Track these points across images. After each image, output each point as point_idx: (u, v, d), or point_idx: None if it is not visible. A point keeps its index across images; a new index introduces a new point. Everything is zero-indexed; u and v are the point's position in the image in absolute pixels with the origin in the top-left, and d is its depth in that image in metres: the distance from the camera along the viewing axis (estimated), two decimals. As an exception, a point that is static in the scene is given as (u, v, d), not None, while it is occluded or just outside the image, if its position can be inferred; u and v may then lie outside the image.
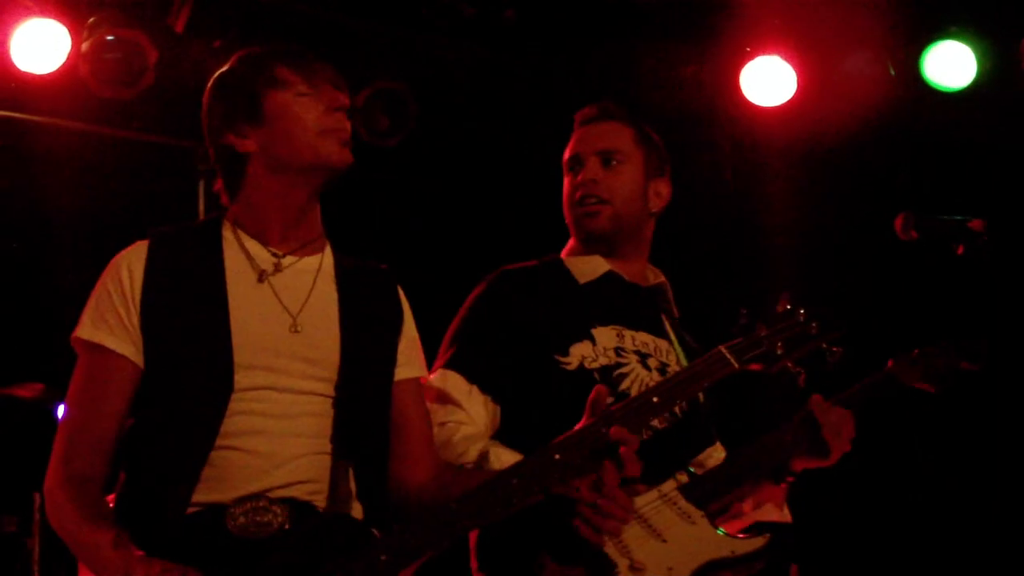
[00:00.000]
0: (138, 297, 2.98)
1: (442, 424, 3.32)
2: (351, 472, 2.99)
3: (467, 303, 3.53)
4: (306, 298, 3.07)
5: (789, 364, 3.17)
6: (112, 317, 2.98)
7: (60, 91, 5.39)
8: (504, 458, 3.23)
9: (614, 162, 3.56)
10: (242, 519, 2.85)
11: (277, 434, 2.93)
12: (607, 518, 3.01)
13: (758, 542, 3.28)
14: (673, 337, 3.62)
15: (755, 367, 3.16)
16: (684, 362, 3.53)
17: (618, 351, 3.47)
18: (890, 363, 3.71)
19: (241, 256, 3.08)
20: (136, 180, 5.94)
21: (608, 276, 3.56)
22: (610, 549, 3.18)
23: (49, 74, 5.31)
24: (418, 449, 3.14)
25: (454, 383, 3.38)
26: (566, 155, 3.64)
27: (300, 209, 3.10)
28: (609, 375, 3.40)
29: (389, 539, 2.84)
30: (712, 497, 3.35)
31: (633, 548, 3.20)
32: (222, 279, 3.03)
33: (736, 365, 3.11)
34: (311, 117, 3.04)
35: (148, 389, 2.96)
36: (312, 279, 3.11)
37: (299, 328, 3.02)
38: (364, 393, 3.05)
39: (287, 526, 2.87)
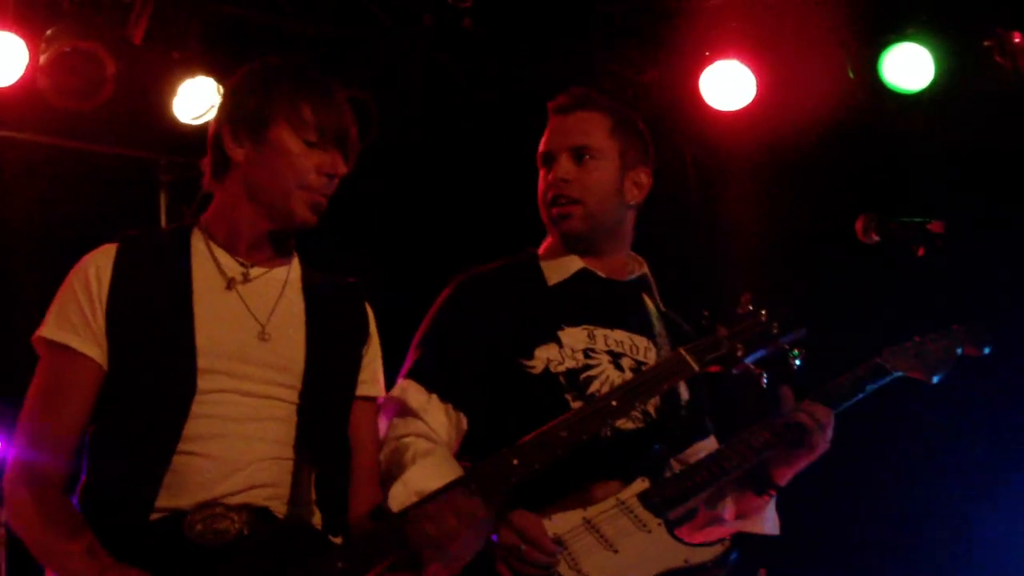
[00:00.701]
0: (105, 298, 2.98)
1: (399, 438, 3.26)
2: (312, 479, 2.99)
3: (433, 308, 3.50)
4: (273, 307, 3.09)
5: (750, 366, 3.15)
6: (77, 317, 2.98)
7: (18, 104, 5.33)
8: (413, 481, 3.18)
9: (587, 157, 3.47)
10: (200, 526, 2.85)
11: (239, 437, 2.94)
12: (530, 565, 3.05)
13: (715, 550, 3.26)
14: (658, 330, 3.56)
15: (715, 369, 3.15)
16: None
17: (587, 352, 3.42)
18: (884, 353, 3.70)
19: (210, 264, 3.09)
20: (96, 193, 5.91)
21: (581, 274, 3.49)
22: (559, 564, 3.17)
23: (7, 87, 5.24)
24: (362, 475, 3.13)
25: (413, 393, 3.34)
26: (540, 149, 3.55)
27: (272, 231, 3.10)
28: (575, 378, 3.37)
29: (346, 547, 2.87)
30: (672, 504, 3.30)
31: (583, 561, 3.18)
32: (189, 284, 3.04)
33: (696, 367, 3.11)
34: (300, 167, 3.05)
35: (112, 391, 2.97)
36: (280, 289, 3.12)
37: (267, 336, 3.03)
38: (328, 402, 3.07)
39: (245, 532, 2.86)
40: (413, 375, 3.36)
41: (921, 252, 3.64)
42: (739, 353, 3.13)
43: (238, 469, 2.92)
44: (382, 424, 3.27)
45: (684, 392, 3.51)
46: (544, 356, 3.38)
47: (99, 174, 5.88)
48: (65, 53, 5.28)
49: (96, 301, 2.98)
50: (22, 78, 5.25)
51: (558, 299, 3.48)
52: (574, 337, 3.43)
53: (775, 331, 3.15)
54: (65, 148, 5.78)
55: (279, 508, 2.94)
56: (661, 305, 3.63)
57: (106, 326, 2.97)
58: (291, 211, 3.06)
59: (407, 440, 3.25)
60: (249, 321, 3.04)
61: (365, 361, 3.17)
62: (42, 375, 3.00)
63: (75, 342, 2.96)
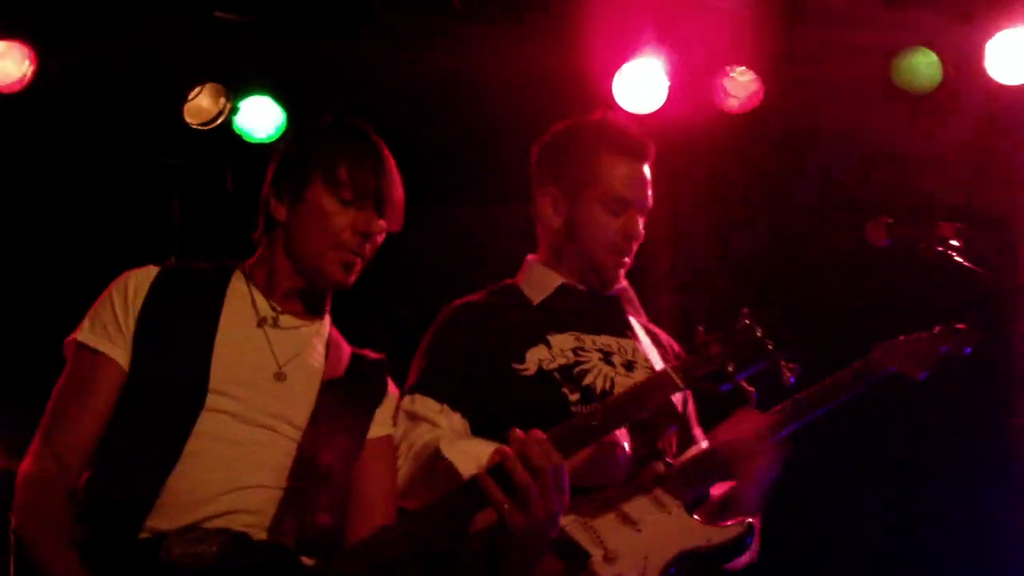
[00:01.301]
0: (138, 308, 3.15)
1: (420, 441, 3.40)
2: (296, 509, 3.09)
3: (427, 337, 3.62)
4: (296, 355, 3.23)
5: (741, 383, 3.19)
6: (111, 324, 3.15)
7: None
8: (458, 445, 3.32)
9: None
10: (177, 550, 2.95)
11: (235, 460, 3.08)
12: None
13: (735, 531, 3.38)
14: (642, 338, 3.72)
15: (704, 385, 3.18)
16: (655, 361, 3.63)
17: (577, 351, 3.57)
18: (875, 349, 3.78)
19: (245, 301, 3.27)
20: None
21: (561, 289, 3.68)
22: (583, 539, 3.26)
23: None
24: (378, 498, 3.27)
25: (423, 404, 3.48)
26: (617, 191, 3.66)
27: (306, 287, 3.27)
28: (569, 372, 3.52)
29: (320, 567, 3.01)
30: (688, 487, 3.44)
31: (607, 537, 3.30)
32: (219, 313, 3.21)
33: (682, 385, 3.14)
34: (334, 227, 3.19)
35: (126, 397, 3.11)
36: (306, 341, 3.27)
37: (282, 377, 3.18)
38: (328, 446, 3.18)
39: (221, 557, 2.96)
40: (421, 389, 3.50)
41: (931, 254, 3.68)
42: (730, 370, 3.14)
43: (225, 492, 3.05)
44: (394, 435, 3.41)
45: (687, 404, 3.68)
46: (535, 357, 3.54)
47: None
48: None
49: (130, 310, 3.16)
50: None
51: (543, 312, 3.66)
52: (562, 341, 3.60)
53: (769, 348, 3.15)
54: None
55: (258, 534, 3.05)
56: (645, 319, 3.77)
57: (134, 332, 3.12)
58: (323, 270, 3.21)
59: (430, 437, 3.39)
60: (269, 359, 3.20)
61: (378, 416, 3.31)
62: (69, 376, 3.15)
63: (104, 345, 3.13)
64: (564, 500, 2.99)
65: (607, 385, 3.53)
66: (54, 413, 3.12)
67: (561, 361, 3.53)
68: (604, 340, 3.65)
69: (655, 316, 3.97)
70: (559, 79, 5.60)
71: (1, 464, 6.37)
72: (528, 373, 3.51)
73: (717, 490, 3.57)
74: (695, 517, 3.40)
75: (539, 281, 3.72)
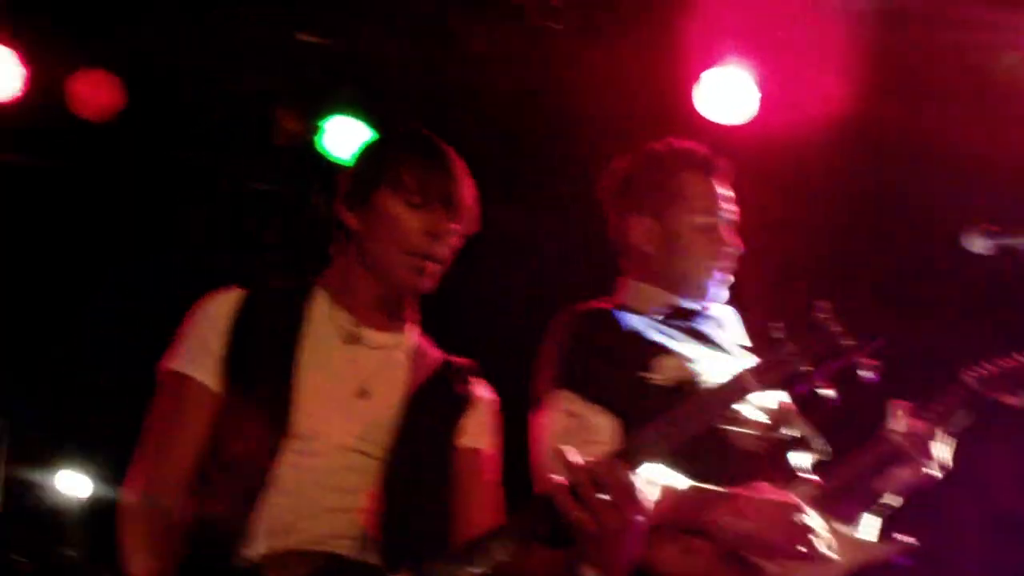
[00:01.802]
0: (224, 331, 3.14)
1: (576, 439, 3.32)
2: (388, 528, 3.07)
3: (558, 337, 3.60)
4: (379, 369, 3.20)
5: (820, 383, 3.05)
6: (198, 348, 3.13)
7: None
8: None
9: None
10: (272, 574, 2.93)
11: (320, 486, 3.05)
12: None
13: (900, 546, 3.35)
14: (745, 352, 3.72)
15: (780, 388, 3.07)
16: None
17: (694, 364, 3.55)
18: (966, 379, 3.72)
19: (326, 319, 3.23)
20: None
21: (670, 304, 3.72)
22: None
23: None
24: (472, 513, 3.19)
25: (569, 397, 3.46)
26: (699, 207, 3.73)
27: (385, 296, 3.24)
28: (692, 384, 3.48)
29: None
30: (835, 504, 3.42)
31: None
32: (301, 334, 3.18)
33: (758, 387, 3.01)
34: (403, 230, 3.16)
35: (218, 420, 3.09)
36: (389, 354, 3.24)
37: (365, 394, 3.15)
38: (416, 462, 3.14)
39: None
40: (564, 385, 3.48)
41: None
42: (807, 369, 3.04)
43: (314, 516, 3.03)
44: (542, 429, 3.41)
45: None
46: (662, 368, 3.51)
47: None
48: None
49: (217, 332, 3.14)
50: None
51: (658, 326, 3.65)
52: (681, 354, 3.57)
53: (847, 346, 3.03)
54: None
55: (350, 556, 3.03)
56: (744, 333, 3.83)
57: (222, 355, 3.11)
58: (397, 276, 3.18)
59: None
60: (351, 377, 3.16)
61: (467, 424, 3.26)
62: (161, 404, 3.14)
63: (195, 371, 3.12)
64: (638, 509, 2.84)
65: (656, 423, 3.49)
66: (148, 441, 3.12)
67: (683, 373, 3.52)
68: (715, 354, 3.65)
69: (751, 327, 3.92)
70: (640, 89, 5.60)
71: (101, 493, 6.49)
72: (657, 382, 3.49)
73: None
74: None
75: (646, 298, 3.74)
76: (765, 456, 3.45)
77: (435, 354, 3.34)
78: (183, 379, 3.11)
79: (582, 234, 5.48)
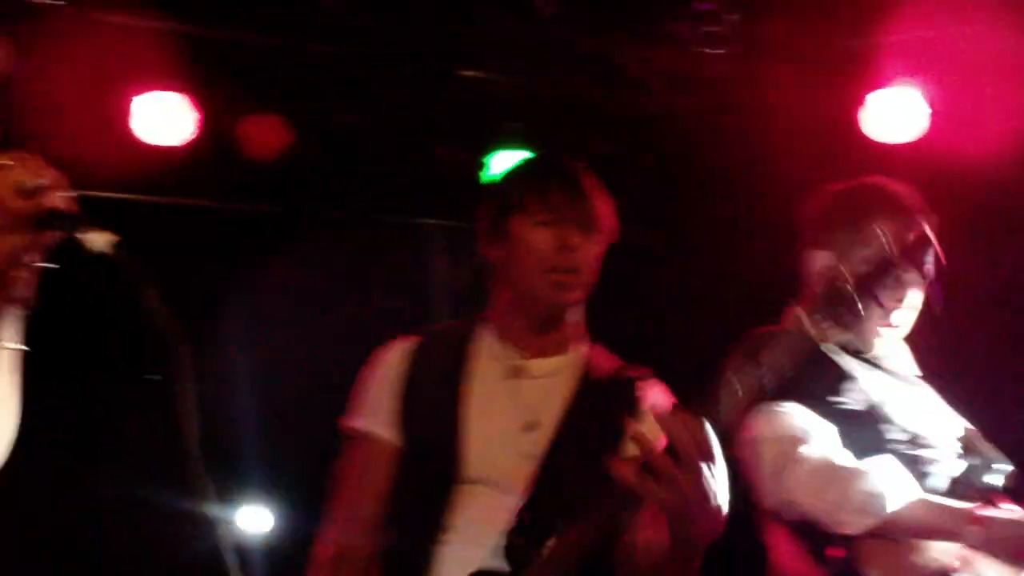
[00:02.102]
0: (397, 383, 3.20)
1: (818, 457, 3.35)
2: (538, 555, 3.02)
3: (737, 365, 3.55)
4: (544, 398, 3.21)
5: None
6: (375, 403, 3.21)
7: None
8: None
9: None
10: None
11: (484, 524, 3.06)
12: None
13: None
14: (926, 384, 3.71)
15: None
16: (943, 405, 3.66)
17: (879, 388, 3.52)
18: None
19: (490, 356, 3.27)
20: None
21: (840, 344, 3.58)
22: None
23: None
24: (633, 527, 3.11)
25: (796, 410, 3.42)
26: (889, 254, 3.55)
27: (539, 319, 3.25)
28: (880, 410, 3.47)
29: None
30: None
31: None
32: (465, 374, 3.22)
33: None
34: (538, 249, 3.19)
35: (398, 472, 3.17)
36: (554, 380, 3.25)
37: (532, 427, 3.17)
38: (566, 488, 3.10)
39: None
40: (792, 399, 3.43)
41: None
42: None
43: (477, 556, 3.04)
44: (761, 435, 3.41)
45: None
46: (850, 392, 3.48)
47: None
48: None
49: (390, 386, 3.21)
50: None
51: (836, 352, 3.56)
52: (866, 380, 3.54)
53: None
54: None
55: None
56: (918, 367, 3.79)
57: (397, 409, 3.18)
58: (542, 296, 3.21)
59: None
60: (517, 412, 3.18)
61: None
62: (345, 462, 3.23)
63: (375, 427, 3.19)
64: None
65: (916, 423, 3.51)
66: (339, 498, 3.21)
67: (869, 398, 3.49)
68: (894, 381, 3.62)
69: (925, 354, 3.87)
70: (804, 110, 5.53)
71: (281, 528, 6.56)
72: (851, 407, 3.47)
73: None
74: None
75: (817, 331, 3.63)
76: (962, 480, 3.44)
77: (607, 366, 3.32)
78: (364, 437, 3.20)
79: (745, 257, 5.44)
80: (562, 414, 3.19)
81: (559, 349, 3.29)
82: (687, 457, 2.61)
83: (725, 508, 2.70)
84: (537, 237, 3.20)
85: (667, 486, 2.61)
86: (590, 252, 3.23)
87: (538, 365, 3.25)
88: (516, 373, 3.24)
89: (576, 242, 3.19)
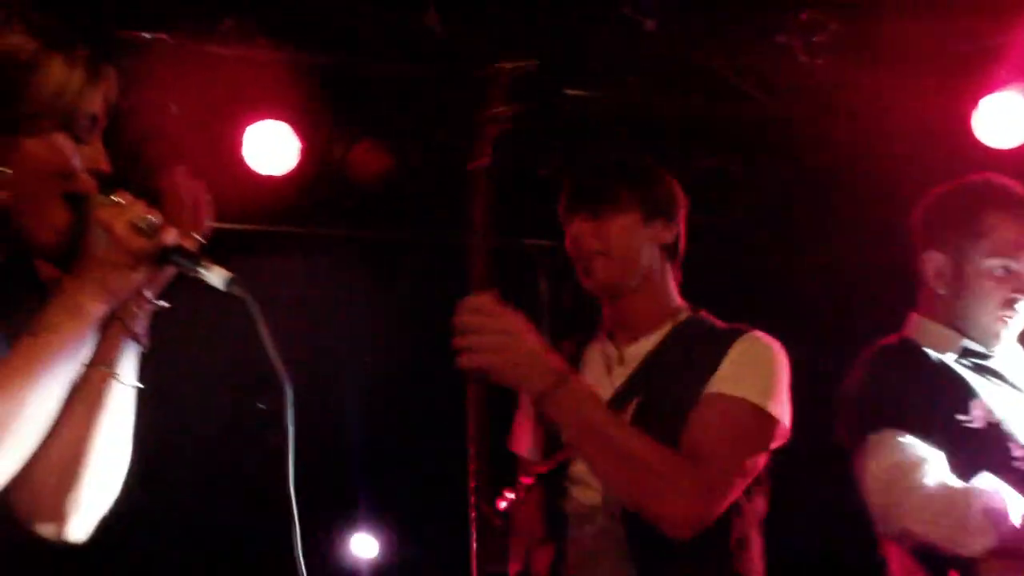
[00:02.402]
0: None
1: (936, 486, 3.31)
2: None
3: (863, 380, 3.57)
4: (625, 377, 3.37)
5: None
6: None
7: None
8: None
9: None
10: None
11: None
12: None
13: None
14: None
15: None
16: None
17: (1001, 408, 3.47)
18: None
19: (598, 356, 3.42)
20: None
21: (965, 348, 3.60)
22: None
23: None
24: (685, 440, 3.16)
25: (893, 436, 3.39)
26: (1002, 251, 3.58)
27: (606, 307, 3.47)
28: (1005, 429, 3.44)
29: None
30: None
31: None
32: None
33: None
34: (569, 248, 3.44)
35: None
36: (635, 363, 3.35)
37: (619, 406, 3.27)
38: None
39: None
40: (890, 425, 3.40)
41: None
42: None
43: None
44: (869, 473, 3.38)
45: None
46: (976, 411, 3.44)
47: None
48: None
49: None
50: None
51: (959, 369, 3.55)
52: (988, 397, 3.50)
53: None
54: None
55: None
56: None
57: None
58: (583, 286, 3.46)
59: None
60: (612, 400, 3.30)
61: (718, 374, 3.24)
62: None
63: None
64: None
65: None
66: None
67: (990, 416, 3.44)
68: (1015, 394, 3.56)
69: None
70: (916, 116, 5.48)
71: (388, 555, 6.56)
72: (975, 426, 3.41)
73: None
74: None
75: (939, 339, 3.62)
76: None
77: (692, 331, 3.39)
78: None
79: (860, 263, 5.37)
80: (640, 397, 3.27)
81: (650, 329, 3.38)
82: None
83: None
84: (566, 238, 3.42)
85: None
86: (605, 230, 3.36)
87: (630, 352, 3.37)
88: (613, 364, 3.38)
89: (581, 229, 3.36)
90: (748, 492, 3.24)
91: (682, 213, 3.53)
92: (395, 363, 6.23)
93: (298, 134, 5.49)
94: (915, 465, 3.32)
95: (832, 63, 5.27)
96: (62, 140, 2.12)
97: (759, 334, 3.34)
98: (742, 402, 3.17)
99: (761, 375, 3.23)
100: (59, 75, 2.10)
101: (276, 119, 5.43)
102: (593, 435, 3.01)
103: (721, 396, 3.19)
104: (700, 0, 5.17)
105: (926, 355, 3.54)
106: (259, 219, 5.72)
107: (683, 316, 3.41)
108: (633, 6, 5.00)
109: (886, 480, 3.36)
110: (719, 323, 3.42)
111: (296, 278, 6.01)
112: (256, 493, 4.37)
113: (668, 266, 3.48)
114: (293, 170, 5.52)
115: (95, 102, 2.16)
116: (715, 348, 3.27)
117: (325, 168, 5.62)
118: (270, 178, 5.50)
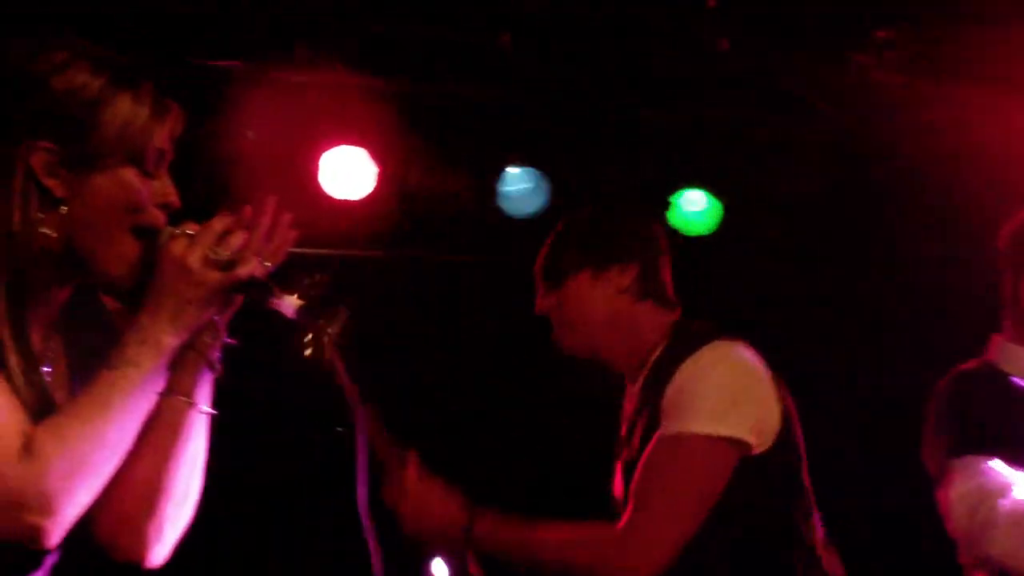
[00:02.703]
0: None
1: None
2: None
3: (945, 406, 3.53)
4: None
5: None
6: None
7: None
8: None
9: None
10: None
11: None
12: None
13: None
14: None
15: None
16: None
17: None
18: None
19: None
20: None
21: None
22: None
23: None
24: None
25: (975, 463, 3.35)
26: None
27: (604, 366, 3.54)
28: None
29: None
30: None
31: None
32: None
33: None
34: None
35: None
36: (635, 403, 3.46)
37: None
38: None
39: None
40: (972, 451, 3.37)
41: None
42: None
43: None
44: (952, 502, 3.34)
45: None
46: None
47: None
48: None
49: None
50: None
51: None
52: None
53: None
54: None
55: None
56: None
57: None
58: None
59: None
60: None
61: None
62: None
63: None
64: None
65: None
66: None
67: None
68: None
69: None
70: (995, 131, 5.40)
71: None
72: None
73: None
74: None
75: (1019, 361, 3.56)
76: None
77: (665, 361, 3.40)
78: None
79: (941, 285, 5.30)
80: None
81: (635, 374, 3.45)
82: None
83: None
84: None
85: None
86: (548, 303, 3.48)
87: (630, 393, 3.47)
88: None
89: (543, 305, 3.50)
90: (723, 517, 3.20)
91: (646, 247, 3.54)
92: (478, 385, 6.24)
93: (374, 159, 5.51)
94: (999, 490, 3.28)
95: (911, 81, 5.25)
96: (131, 175, 2.15)
97: (710, 346, 3.30)
98: (684, 438, 3.17)
99: (705, 396, 3.20)
100: (125, 111, 2.13)
101: (352, 144, 5.46)
102: (518, 553, 3.22)
103: (662, 439, 3.21)
104: (773, 19, 5.14)
105: (1009, 379, 3.49)
106: (336, 244, 5.74)
107: (656, 353, 3.41)
108: (707, 27, 5.00)
109: (969, 505, 3.31)
110: (692, 340, 3.36)
111: (373, 303, 6.03)
112: (329, 519, 4.41)
113: (638, 306, 3.45)
114: (370, 195, 5.54)
115: (162, 136, 2.18)
116: (663, 384, 3.28)
117: (402, 192, 5.64)
118: (346, 203, 5.52)
